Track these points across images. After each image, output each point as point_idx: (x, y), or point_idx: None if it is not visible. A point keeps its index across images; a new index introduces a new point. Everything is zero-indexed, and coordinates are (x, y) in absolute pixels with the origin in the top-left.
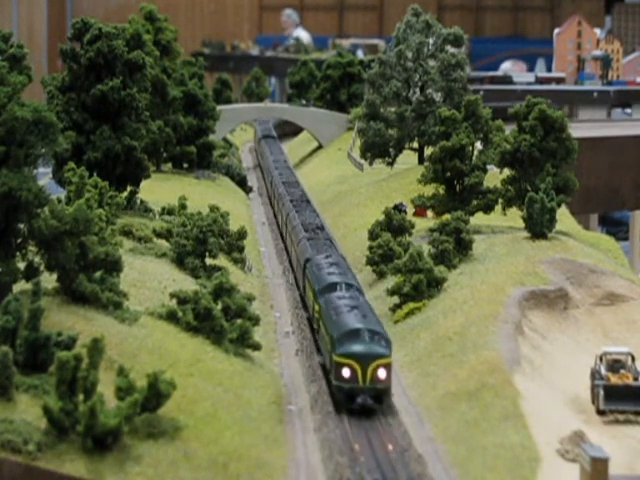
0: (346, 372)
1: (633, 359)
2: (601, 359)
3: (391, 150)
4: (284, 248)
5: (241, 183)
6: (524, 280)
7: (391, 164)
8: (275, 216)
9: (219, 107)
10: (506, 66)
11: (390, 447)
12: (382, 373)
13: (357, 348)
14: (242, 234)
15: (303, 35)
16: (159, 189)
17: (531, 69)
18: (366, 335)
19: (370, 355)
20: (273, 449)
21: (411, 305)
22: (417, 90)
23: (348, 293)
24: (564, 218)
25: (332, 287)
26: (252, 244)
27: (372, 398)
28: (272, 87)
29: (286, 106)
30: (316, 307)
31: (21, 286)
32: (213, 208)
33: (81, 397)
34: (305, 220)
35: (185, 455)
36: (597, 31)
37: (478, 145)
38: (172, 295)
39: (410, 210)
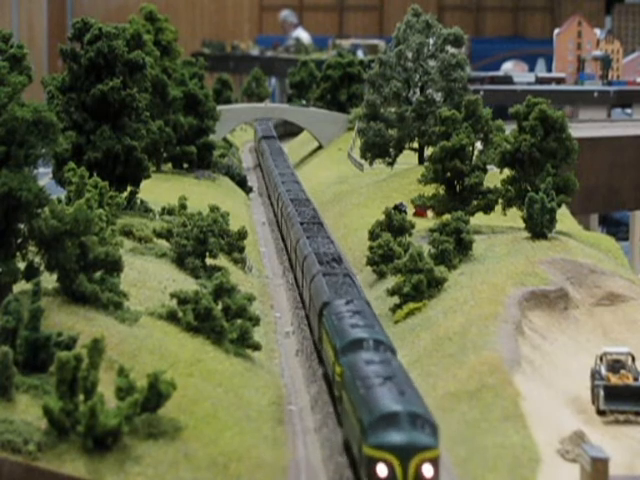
0: (382, 470)
1: (633, 359)
2: (601, 359)
3: (391, 150)
4: (295, 283)
5: (241, 183)
6: (524, 280)
7: (391, 164)
8: (282, 237)
9: (219, 107)
10: (507, 66)
11: None
12: (428, 470)
13: (395, 438)
14: (242, 234)
15: (303, 35)
16: (159, 189)
17: (531, 69)
18: (406, 420)
19: (412, 447)
20: (273, 449)
21: (411, 305)
22: (417, 90)
23: (378, 355)
24: (564, 218)
25: (357, 344)
26: (252, 244)
27: None
28: (272, 87)
29: (286, 106)
30: (337, 369)
31: (21, 286)
32: (213, 208)
33: (81, 397)
34: (318, 248)
35: (185, 455)
36: (597, 31)
37: (478, 145)
38: (172, 295)
39: (410, 210)
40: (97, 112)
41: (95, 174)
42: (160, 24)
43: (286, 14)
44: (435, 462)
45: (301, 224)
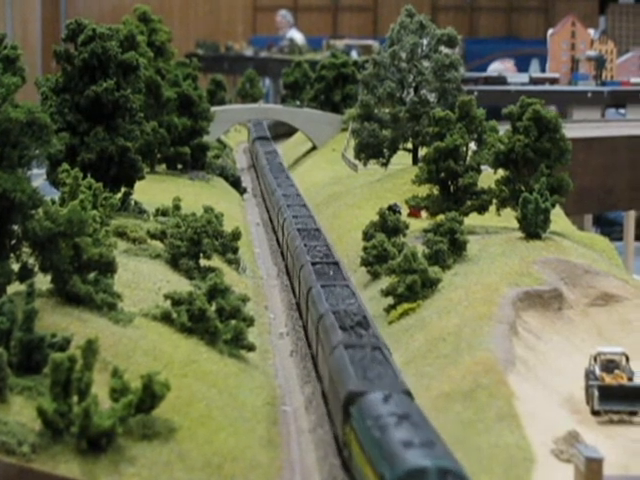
0: None
1: (627, 359)
2: (595, 359)
3: (385, 151)
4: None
5: (235, 184)
6: (518, 280)
7: (385, 165)
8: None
9: (213, 108)
10: (495, 66)
11: None
12: None
13: None
14: (236, 235)
15: (297, 36)
16: (153, 190)
17: (524, 69)
18: None
19: None
20: (268, 450)
21: (405, 306)
22: (411, 91)
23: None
24: (558, 218)
25: (417, 477)
26: (246, 245)
27: None
28: (266, 88)
29: (280, 107)
30: None
31: (15, 287)
32: (207, 209)
33: (75, 398)
34: (335, 303)
35: (180, 456)
36: (591, 31)
37: (472, 146)
38: (166, 296)
39: (404, 211)
40: (91, 113)
41: (89, 175)
42: (154, 25)
43: (284, 13)
44: None
45: (317, 275)
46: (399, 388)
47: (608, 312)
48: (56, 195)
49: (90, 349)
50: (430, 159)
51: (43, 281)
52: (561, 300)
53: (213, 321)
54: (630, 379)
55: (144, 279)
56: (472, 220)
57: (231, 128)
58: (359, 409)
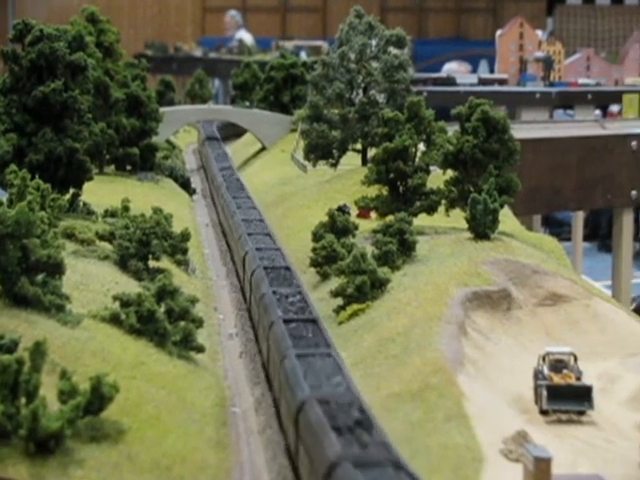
0: None
1: (575, 359)
2: (544, 359)
3: (334, 151)
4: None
5: (185, 185)
6: (467, 281)
7: (335, 165)
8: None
9: (162, 109)
10: (450, 67)
11: None
12: None
13: None
14: (186, 236)
15: (246, 37)
16: (102, 191)
17: (474, 70)
18: None
19: None
20: (217, 451)
21: (355, 306)
22: (360, 92)
23: None
24: (507, 219)
25: None
26: (196, 246)
27: None
28: (215, 89)
29: (229, 108)
30: None
31: None
32: (156, 210)
33: (23, 400)
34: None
35: (128, 458)
36: (539, 33)
37: (421, 146)
38: (115, 298)
39: (354, 211)
40: (39, 114)
41: (37, 176)
42: (102, 26)
43: (232, 14)
44: None
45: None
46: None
47: (556, 312)
48: (3, 196)
49: (38, 351)
50: (379, 160)
51: None
52: (510, 300)
53: (162, 322)
54: (578, 379)
55: (93, 280)
56: (421, 221)
57: (180, 129)
58: None
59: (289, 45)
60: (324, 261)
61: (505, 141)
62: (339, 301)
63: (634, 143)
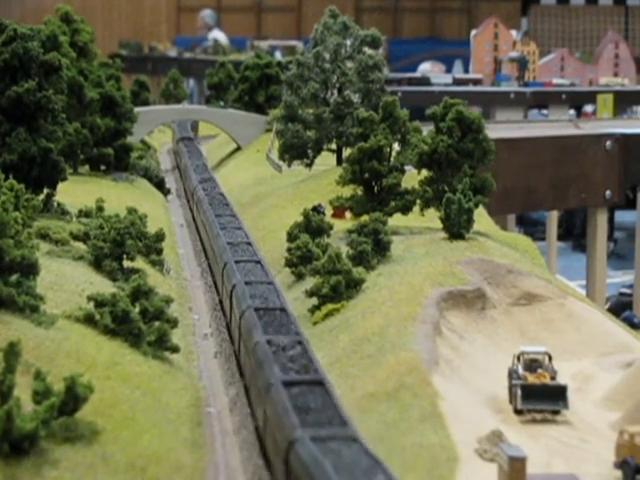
0: None
1: (550, 358)
2: (518, 359)
3: (309, 151)
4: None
5: (159, 185)
6: (442, 281)
7: (309, 165)
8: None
9: (137, 109)
10: (425, 67)
11: None
12: None
13: None
14: (160, 236)
15: (219, 37)
16: (76, 191)
17: (449, 70)
18: None
19: None
20: (192, 452)
21: (330, 306)
22: (335, 92)
23: None
24: (482, 219)
25: None
26: (170, 246)
27: None
28: (190, 89)
29: (204, 108)
30: None
31: None
32: (131, 210)
33: None
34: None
35: (103, 458)
36: (513, 33)
37: (396, 146)
38: (89, 298)
39: (328, 211)
40: (12, 114)
41: (11, 176)
42: (76, 25)
43: (206, 13)
44: None
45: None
46: None
47: (531, 312)
48: None
49: (12, 352)
50: (354, 160)
51: None
52: (484, 300)
53: (137, 323)
54: (553, 378)
55: (67, 281)
56: (396, 221)
57: (155, 129)
58: None
59: (264, 45)
60: (299, 261)
61: (480, 141)
62: (314, 301)
63: (608, 143)
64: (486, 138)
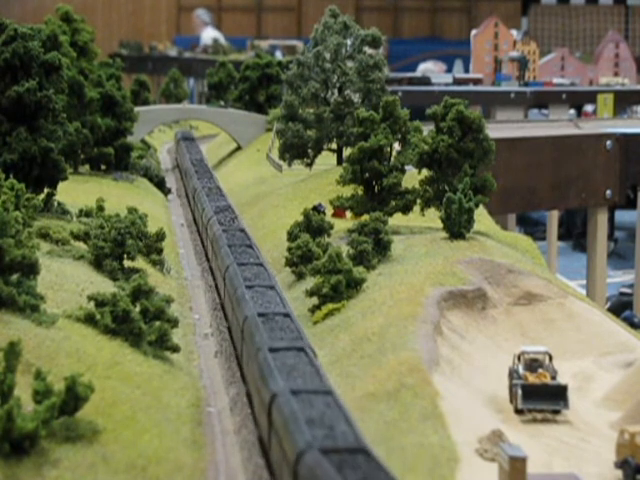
0: None
1: (550, 358)
2: (519, 358)
3: (310, 151)
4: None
5: (160, 185)
6: (443, 280)
7: (310, 165)
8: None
9: (137, 108)
10: (425, 67)
11: None
12: None
13: None
14: (161, 236)
15: (215, 35)
16: (77, 191)
17: (449, 70)
18: None
19: None
20: (192, 451)
21: (330, 306)
22: (335, 91)
23: None
24: (482, 218)
25: None
26: (171, 246)
27: None
28: (190, 88)
29: (204, 107)
30: None
31: None
32: (131, 210)
33: None
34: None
35: (103, 458)
36: (514, 32)
37: (396, 146)
38: (90, 298)
39: (329, 211)
40: (13, 114)
41: (11, 176)
42: (76, 25)
43: (200, 12)
44: None
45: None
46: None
47: (531, 311)
48: None
49: (13, 351)
50: (354, 159)
51: None
52: (485, 299)
53: (137, 322)
54: (553, 378)
55: (67, 280)
56: (396, 220)
57: (155, 129)
58: None
59: (264, 45)
60: (299, 260)
61: (480, 140)
62: (314, 300)
63: (609, 142)
64: (487, 138)
